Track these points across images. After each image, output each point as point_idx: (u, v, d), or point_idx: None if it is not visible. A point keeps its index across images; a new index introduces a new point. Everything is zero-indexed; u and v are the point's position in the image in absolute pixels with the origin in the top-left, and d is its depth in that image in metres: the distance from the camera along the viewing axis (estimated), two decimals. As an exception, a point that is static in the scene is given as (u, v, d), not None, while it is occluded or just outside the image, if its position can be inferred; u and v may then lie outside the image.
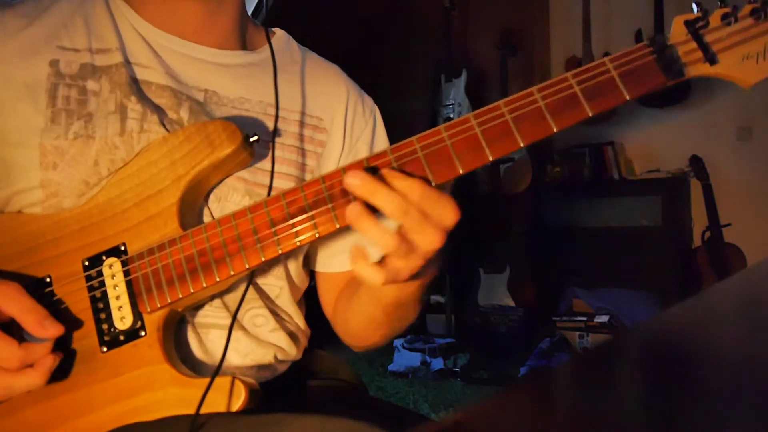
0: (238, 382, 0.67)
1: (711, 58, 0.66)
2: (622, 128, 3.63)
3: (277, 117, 0.81)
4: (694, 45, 0.66)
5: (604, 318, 3.07)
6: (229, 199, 0.78)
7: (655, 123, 3.61)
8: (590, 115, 0.65)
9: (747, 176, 3.34)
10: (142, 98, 0.77)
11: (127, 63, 0.79)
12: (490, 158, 0.66)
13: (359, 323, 0.84)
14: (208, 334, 0.77)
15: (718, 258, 3.22)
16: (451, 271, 3.51)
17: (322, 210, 0.67)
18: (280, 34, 0.93)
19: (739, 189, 3.33)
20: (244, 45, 0.88)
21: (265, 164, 0.80)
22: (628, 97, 0.65)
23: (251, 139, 0.74)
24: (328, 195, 0.67)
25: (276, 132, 0.81)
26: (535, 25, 3.99)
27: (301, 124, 0.86)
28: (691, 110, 3.47)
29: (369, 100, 0.95)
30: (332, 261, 0.89)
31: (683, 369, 0.42)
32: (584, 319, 3.11)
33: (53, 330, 0.66)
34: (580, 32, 3.49)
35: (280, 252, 0.68)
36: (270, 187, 0.79)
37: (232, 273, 0.69)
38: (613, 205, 3.48)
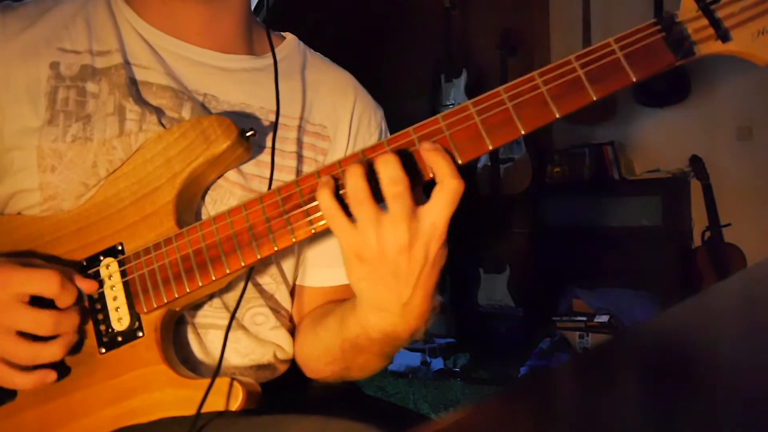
0: (236, 384, 0.67)
1: (723, 35, 0.62)
2: (622, 128, 3.63)
3: (276, 123, 0.80)
4: (705, 21, 0.62)
5: (604, 318, 3.07)
6: (226, 203, 0.77)
7: (655, 123, 3.61)
8: (595, 99, 0.62)
9: (747, 176, 3.33)
10: (141, 99, 0.77)
11: (127, 64, 0.78)
12: (490, 147, 0.63)
13: (315, 350, 0.81)
14: (207, 335, 0.77)
15: (718, 258, 3.22)
16: (451, 271, 3.51)
17: (318, 205, 0.66)
18: (290, 39, 0.92)
19: (739, 189, 3.32)
20: (251, 50, 0.87)
21: (264, 171, 0.79)
22: (634, 79, 0.62)
23: (247, 134, 0.73)
24: None
25: (275, 138, 0.80)
26: (535, 25, 3.99)
27: (304, 131, 0.85)
28: (691, 110, 3.47)
29: (378, 113, 0.93)
30: (320, 274, 0.87)
31: (683, 369, 0.42)
32: (584, 319, 3.11)
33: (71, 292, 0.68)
34: (580, 32, 3.48)
35: (276, 249, 0.67)
36: None
37: (227, 271, 0.68)
38: (613, 205, 3.48)
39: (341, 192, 0.64)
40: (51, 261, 0.72)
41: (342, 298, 0.83)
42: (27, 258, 0.69)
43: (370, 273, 0.64)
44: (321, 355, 0.80)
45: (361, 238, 0.62)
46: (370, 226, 0.61)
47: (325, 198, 0.63)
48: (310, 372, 0.84)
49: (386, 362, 0.77)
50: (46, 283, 0.66)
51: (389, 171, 0.61)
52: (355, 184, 0.62)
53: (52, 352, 0.67)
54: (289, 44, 0.91)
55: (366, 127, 0.90)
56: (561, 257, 3.49)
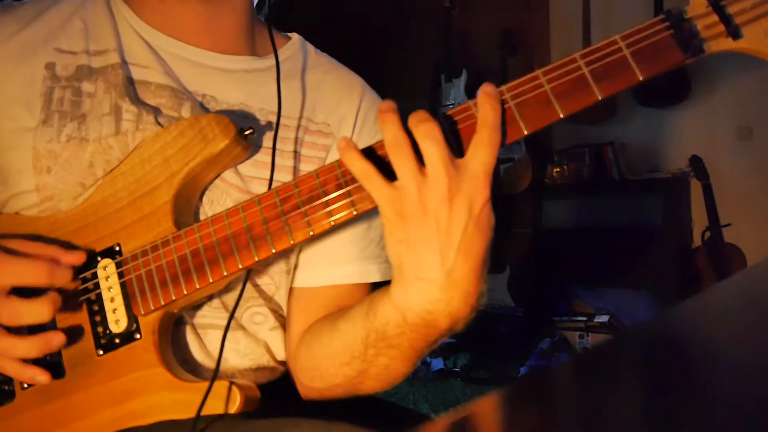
0: (234, 388, 0.67)
1: (734, 32, 0.59)
2: (622, 128, 3.63)
3: (278, 124, 0.79)
4: (715, 18, 0.60)
5: (604, 318, 3.07)
6: (222, 204, 0.76)
7: (655, 123, 3.61)
8: (600, 98, 0.61)
9: (747, 176, 3.33)
10: (138, 99, 0.77)
11: (124, 63, 0.78)
12: None
13: (330, 349, 0.73)
14: (207, 335, 0.77)
15: (718, 258, 3.21)
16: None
17: (316, 206, 0.65)
18: (295, 40, 0.91)
19: (739, 189, 3.32)
20: (253, 50, 0.86)
21: (261, 171, 0.78)
22: (641, 78, 0.60)
23: (246, 132, 0.73)
24: (322, 191, 0.65)
25: (276, 139, 0.79)
26: (535, 25, 3.99)
27: (305, 130, 0.84)
28: (691, 110, 3.47)
29: None
30: (311, 274, 0.83)
31: (683, 369, 0.42)
32: (584, 319, 3.11)
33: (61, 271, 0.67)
34: (580, 32, 3.48)
35: (273, 251, 0.67)
36: None
37: (225, 274, 0.68)
38: (613, 205, 3.48)
39: (379, 153, 0.63)
40: None
41: (348, 303, 0.79)
42: (14, 240, 0.69)
43: (410, 232, 0.60)
44: (337, 354, 0.71)
45: (400, 193, 0.59)
46: (410, 177, 0.59)
47: (354, 158, 0.61)
48: (313, 380, 0.77)
49: (411, 366, 0.69)
50: (34, 274, 0.66)
51: (419, 114, 0.60)
52: (393, 131, 0.60)
53: (39, 309, 0.65)
54: (294, 45, 0.90)
55: (372, 125, 0.88)
56: (561, 257, 3.50)
